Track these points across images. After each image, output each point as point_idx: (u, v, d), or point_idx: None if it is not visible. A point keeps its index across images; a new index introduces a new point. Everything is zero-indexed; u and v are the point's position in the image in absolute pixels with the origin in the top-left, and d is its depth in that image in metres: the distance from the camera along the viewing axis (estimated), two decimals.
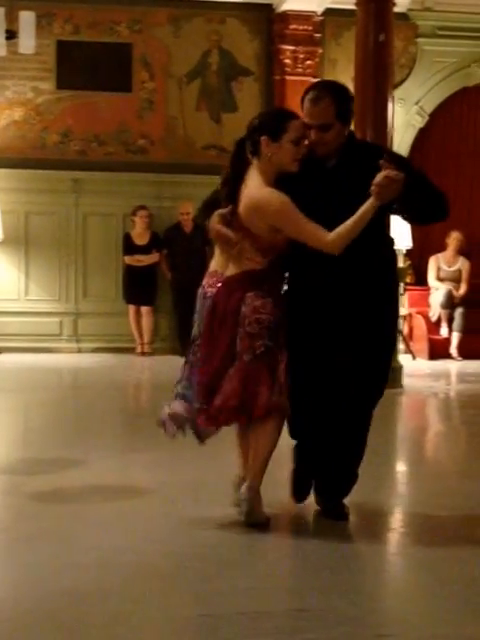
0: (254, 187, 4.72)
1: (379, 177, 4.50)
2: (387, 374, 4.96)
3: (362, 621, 3.55)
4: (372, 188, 4.51)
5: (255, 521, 4.67)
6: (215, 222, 4.80)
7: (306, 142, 4.74)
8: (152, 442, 6.87)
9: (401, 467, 6.76)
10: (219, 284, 4.81)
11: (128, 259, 13.17)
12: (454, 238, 13.62)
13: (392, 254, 5.04)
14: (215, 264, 4.95)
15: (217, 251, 4.96)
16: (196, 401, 4.79)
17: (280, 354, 4.69)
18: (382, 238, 4.92)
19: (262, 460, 4.72)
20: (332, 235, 4.58)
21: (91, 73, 13.23)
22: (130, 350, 13.05)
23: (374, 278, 4.77)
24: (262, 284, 4.73)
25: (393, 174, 4.49)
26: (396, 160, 4.68)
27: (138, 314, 13.20)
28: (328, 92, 4.78)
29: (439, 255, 13.70)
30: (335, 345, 4.76)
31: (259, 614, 3.58)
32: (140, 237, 13.21)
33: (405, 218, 5.10)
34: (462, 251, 13.75)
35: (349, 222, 4.58)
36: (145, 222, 13.19)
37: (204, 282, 4.95)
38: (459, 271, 13.63)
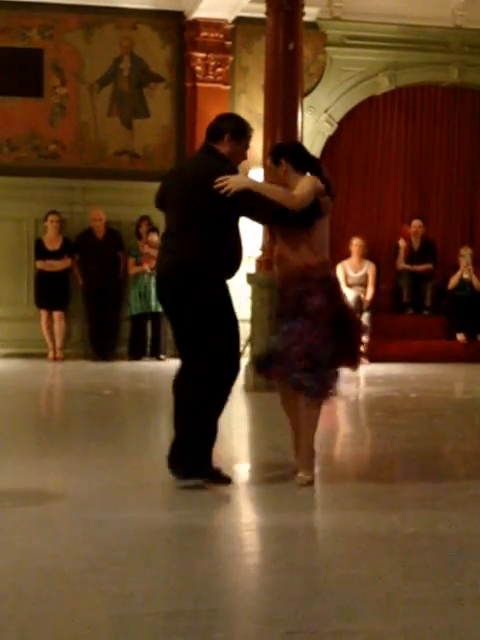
0: None
1: None
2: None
3: (271, 619, 3.65)
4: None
5: None
6: None
7: None
8: (64, 447, 6.94)
9: None
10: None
11: (40, 264, 13.15)
12: (355, 244, 13.83)
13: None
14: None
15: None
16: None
17: None
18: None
19: None
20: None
21: (2, 78, 13.19)
22: (42, 355, 13.04)
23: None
24: None
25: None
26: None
27: (50, 319, 13.17)
28: None
29: (345, 262, 13.84)
30: None
31: (170, 614, 3.65)
32: (52, 242, 13.20)
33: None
34: (365, 256, 13.97)
35: None
36: (56, 227, 13.19)
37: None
38: (365, 276, 13.87)
